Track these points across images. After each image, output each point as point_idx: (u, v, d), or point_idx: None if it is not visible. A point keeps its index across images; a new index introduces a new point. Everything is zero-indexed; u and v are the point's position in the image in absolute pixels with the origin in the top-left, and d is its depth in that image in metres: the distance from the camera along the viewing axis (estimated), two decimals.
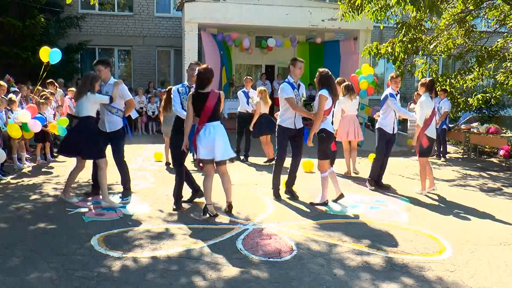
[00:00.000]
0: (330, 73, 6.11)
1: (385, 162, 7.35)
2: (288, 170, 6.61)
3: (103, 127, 6.09)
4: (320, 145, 6.12)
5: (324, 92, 5.98)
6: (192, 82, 5.79)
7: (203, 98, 5.29)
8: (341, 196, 6.21)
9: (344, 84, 8.15)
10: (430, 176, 7.04)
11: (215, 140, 5.28)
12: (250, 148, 9.86)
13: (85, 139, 5.72)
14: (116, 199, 6.18)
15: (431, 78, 6.87)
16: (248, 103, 9.64)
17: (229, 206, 5.64)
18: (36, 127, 8.18)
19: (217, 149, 5.30)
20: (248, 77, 10.29)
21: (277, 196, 6.46)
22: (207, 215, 5.44)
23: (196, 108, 5.32)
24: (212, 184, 5.52)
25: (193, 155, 6.00)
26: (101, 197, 5.92)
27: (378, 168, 7.27)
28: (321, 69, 6.20)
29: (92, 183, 6.51)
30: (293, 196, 6.50)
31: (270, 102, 9.44)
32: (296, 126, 6.36)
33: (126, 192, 6.34)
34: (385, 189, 7.18)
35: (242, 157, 9.69)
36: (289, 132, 6.37)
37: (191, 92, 5.45)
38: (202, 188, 5.70)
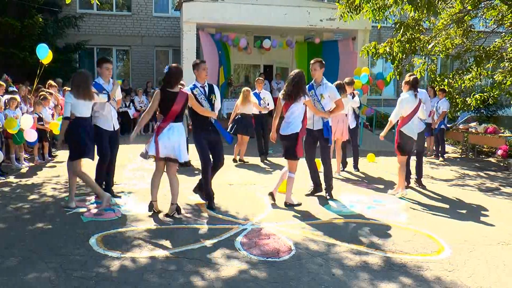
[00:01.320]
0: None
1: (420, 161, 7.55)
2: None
3: (109, 126, 6.10)
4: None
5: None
6: (202, 81, 5.83)
7: (172, 97, 5.28)
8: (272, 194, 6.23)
9: (336, 83, 8.18)
10: (401, 178, 6.88)
11: (179, 141, 5.30)
12: (247, 148, 9.86)
13: (92, 139, 5.74)
14: (125, 199, 6.22)
15: (415, 76, 6.81)
16: (260, 104, 9.62)
17: (177, 208, 5.50)
18: (30, 137, 8.05)
19: (182, 150, 5.31)
20: (260, 78, 10.26)
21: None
22: (152, 212, 5.50)
23: (163, 107, 5.30)
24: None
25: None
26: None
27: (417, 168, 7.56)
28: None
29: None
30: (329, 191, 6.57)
31: (251, 102, 9.34)
32: (314, 127, 6.42)
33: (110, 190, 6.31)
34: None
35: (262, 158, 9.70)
36: (310, 133, 6.43)
37: (158, 90, 5.39)
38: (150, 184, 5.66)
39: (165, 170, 5.59)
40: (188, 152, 5.72)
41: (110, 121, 6.10)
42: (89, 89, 5.69)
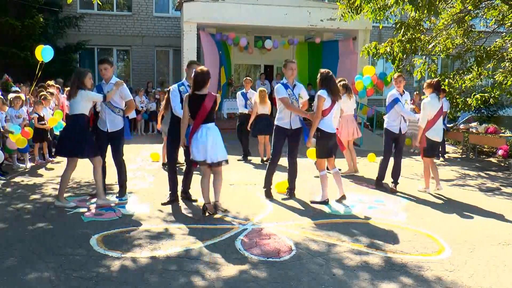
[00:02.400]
0: (330, 73, 6.16)
1: (398, 162, 7.26)
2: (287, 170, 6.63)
3: (103, 127, 6.07)
4: (316, 144, 6.18)
5: (322, 93, 6.05)
6: (190, 80, 5.77)
7: (200, 100, 5.31)
8: (343, 197, 6.26)
9: (342, 83, 8.18)
10: (436, 177, 7.09)
11: (207, 142, 5.30)
12: (250, 148, 9.87)
13: (77, 137, 5.65)
14: (112, 199, 6.16)
15: (437, 78, 6.87)
16: (246, 105, 9.63)
17: (215, 206, 5.55)
18: (12, 145, 8.01)
19: (209, 151, 5.31)
20: (248, 78, 10.27)
21: (268, 196, 6.45)
22: (206, 214, 5.47)
23: (192, 110, 5.34)
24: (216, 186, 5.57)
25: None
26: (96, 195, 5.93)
27: (385, 168, 7.28)
28: (322, 70, 6.27)
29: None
30: (291, 195, 6.52)
31: (268, 102, 9.41)
32: (292, 126, 6.37)
33: (122, 192, 6.35)
34: (384, 189, 7.19)
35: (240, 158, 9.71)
36: (285, 132, 6.40)
37: (187, 93, 5.46)
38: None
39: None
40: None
41: (103, 122, 6.08)
42: (73, 87, 5.69)
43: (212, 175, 5.56)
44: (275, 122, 6.49)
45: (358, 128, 8.49)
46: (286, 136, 6.43)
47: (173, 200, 6.05)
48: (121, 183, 6.38)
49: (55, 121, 9.02)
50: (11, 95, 8.85)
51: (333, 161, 6.35)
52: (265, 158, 9.42)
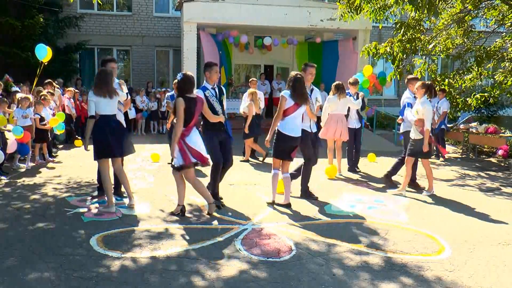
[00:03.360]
0: (299, 75, 5.95)
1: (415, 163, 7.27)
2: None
3: None
4: (274, 143, 6.08)
5: (284, 93, 5.95)
6: (212, 83, 5.89)
7: (194, 103, 5.38)
8: (288, 205, 6.01)
9: (335, 83, 8.24)
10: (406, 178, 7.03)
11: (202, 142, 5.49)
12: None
13: (117, 137, 5.65)
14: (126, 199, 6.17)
15: (430, 82, 6.84)
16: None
17: (183, 209, 5.56)
18: (10, 148, 7.97)
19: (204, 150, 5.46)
20: (253, 79, 10.31)
21: (306, 195, 6.53)
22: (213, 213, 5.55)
23: (188, 113, 5.32)
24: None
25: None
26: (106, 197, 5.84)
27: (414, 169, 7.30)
28: (292, 72, 6.13)
29: (98, 185, 6.33)
30: (311, 197, 6.51)
31: (258, 103, 9.50)
32: (312, 129, 6.50)
33: (122, 192, 6.35)
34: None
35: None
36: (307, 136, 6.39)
37: (180, 98, 5.33)
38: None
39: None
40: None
41: None
42: (109, 86, 5.60)
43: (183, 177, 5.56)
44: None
45: (346, 131, 8.25)
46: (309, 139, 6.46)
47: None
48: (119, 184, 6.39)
49: (56, 121, 9.05)
50: (19, 95, 8.89)
51: (287, 165, 6.15)
52: (260, 158, 9.57)
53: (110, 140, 5.53)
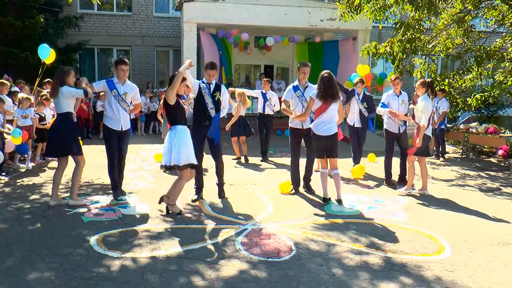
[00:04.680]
0: (325, 74, 6.12)
1: (403, 161, 7.47)
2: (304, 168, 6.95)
3: (117, 126, 6.10)
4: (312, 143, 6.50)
5: (312, 94, 6.22)
6: (208, 81, 6.14)
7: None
8: (339, 201, 6.27)
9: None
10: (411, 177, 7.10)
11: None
12: (249, 149, 9.89)
13: (66, 136, 5.68)
14: (126, 199, 6.21)
15: (430, 79, 6.88)
16: (265, 105, 9.70)
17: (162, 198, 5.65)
18: (9, 146, 7.99)
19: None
20: (267, 79, 10.31)
21: (297, 191, 6.84)
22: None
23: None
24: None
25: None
26: (69, 194, 5.97)
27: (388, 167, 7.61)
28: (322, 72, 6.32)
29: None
30: (310, 190, 6.88)
31: (249, 104, 9.65)
32: (304, 126, 6.68)
33: (123, 192, 6.41)
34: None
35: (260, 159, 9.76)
36: (298, 132, 6.76)
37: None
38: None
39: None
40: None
41: (118, 121, 6.09)
42: (55, 86, 5.74)
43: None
44: (289, 124, 6.85)
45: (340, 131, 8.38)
46: (301, 136, 6.79)
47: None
48: (121, 183, 6.43)
49: None
50: (20, 95, 8.91)
51: (333, 161, 6.28)
52: (242, 158, 9.65)
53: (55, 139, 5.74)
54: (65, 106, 5.73)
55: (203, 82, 6.17)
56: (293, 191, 6.82)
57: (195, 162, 5.50)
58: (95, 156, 9.20)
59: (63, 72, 5.79)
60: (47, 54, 8.48)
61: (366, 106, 8.34)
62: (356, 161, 8.74)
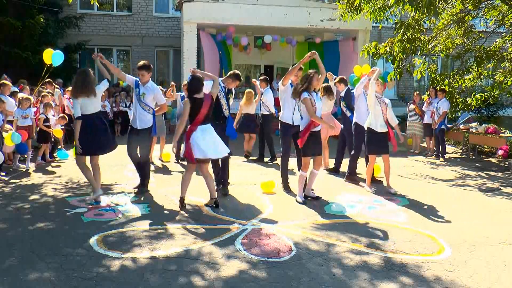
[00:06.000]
0: (309, 73, 6.43)
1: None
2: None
3: (134, 123, 6.40)
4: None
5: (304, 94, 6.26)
6: (225, 85, 6.51)
7: (200, 102, 5.61)
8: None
9: (324, 85, 8.24)
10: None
11: (214, 138, 5.73)
12: (252, 149, 9.91)
13: (107, 133, 6.00)
14: (125, 199, 6.21)
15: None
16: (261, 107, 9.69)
17: (216, 202, 5.88)
18: (6, 149, 7.97)
19: (218, 146, 5.75)
20: (262, 77, 10.26)
21: (286, 188, 6.91)
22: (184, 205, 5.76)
23: (192, 113, 5.62)
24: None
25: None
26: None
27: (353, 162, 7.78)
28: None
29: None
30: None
31: (254, 103, 9.70)
32: (294, 122, 6.79)
33: (143, 189, 6.52)
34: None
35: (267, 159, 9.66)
36: (288, 128, 6.85)
37: (187, 99, 5.70)
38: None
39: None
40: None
41: (135, 119, 6.40)
42: (88, 86, 5.79)
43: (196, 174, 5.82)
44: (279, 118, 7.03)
45: (338, 124, 8.47)
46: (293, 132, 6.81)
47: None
48: (142, 181, 6.59)
49: (60, 132, 9.19)
50: (20, 95, 8.92)
51: (319, 160, 6.47)
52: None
53: (95, 139, 5.87)
54: (98, 104, 6.01)
55: (220, 85, 6.40)
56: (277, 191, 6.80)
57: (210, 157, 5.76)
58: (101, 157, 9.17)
59: (87, 73, 5.91)
60: (59, 62, 8.58)
61: (345, 105, 8.24)
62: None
